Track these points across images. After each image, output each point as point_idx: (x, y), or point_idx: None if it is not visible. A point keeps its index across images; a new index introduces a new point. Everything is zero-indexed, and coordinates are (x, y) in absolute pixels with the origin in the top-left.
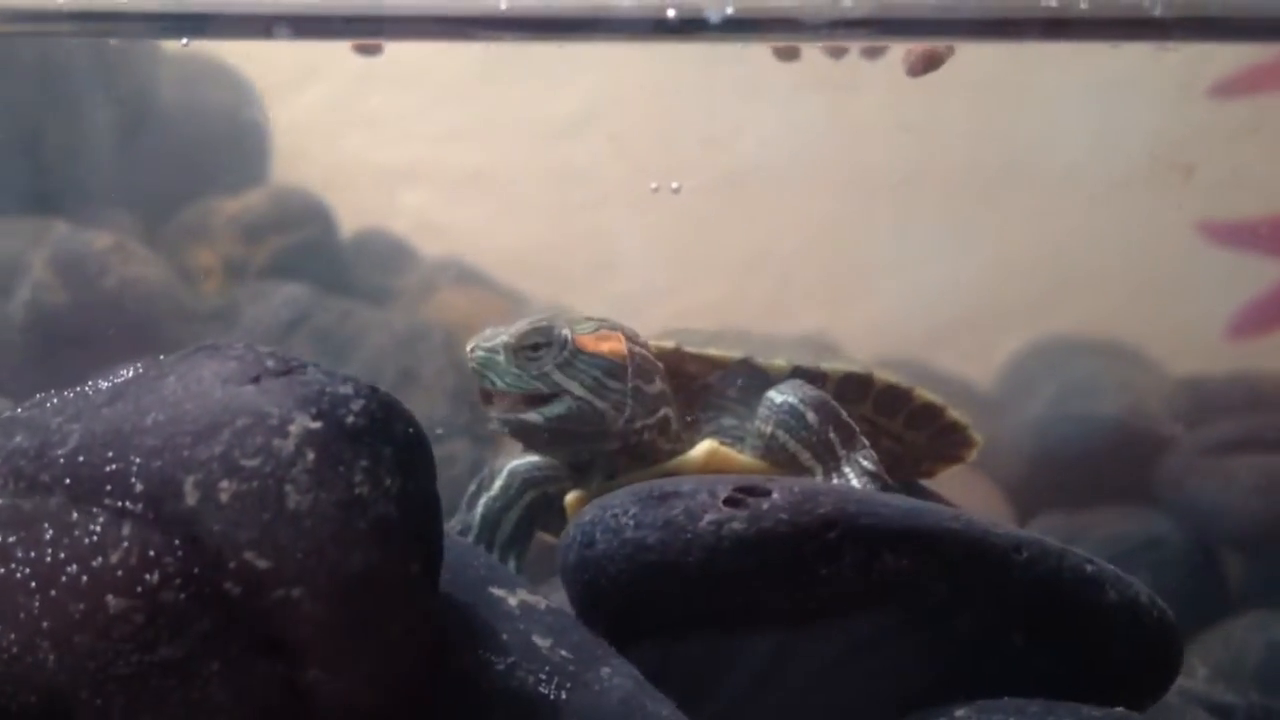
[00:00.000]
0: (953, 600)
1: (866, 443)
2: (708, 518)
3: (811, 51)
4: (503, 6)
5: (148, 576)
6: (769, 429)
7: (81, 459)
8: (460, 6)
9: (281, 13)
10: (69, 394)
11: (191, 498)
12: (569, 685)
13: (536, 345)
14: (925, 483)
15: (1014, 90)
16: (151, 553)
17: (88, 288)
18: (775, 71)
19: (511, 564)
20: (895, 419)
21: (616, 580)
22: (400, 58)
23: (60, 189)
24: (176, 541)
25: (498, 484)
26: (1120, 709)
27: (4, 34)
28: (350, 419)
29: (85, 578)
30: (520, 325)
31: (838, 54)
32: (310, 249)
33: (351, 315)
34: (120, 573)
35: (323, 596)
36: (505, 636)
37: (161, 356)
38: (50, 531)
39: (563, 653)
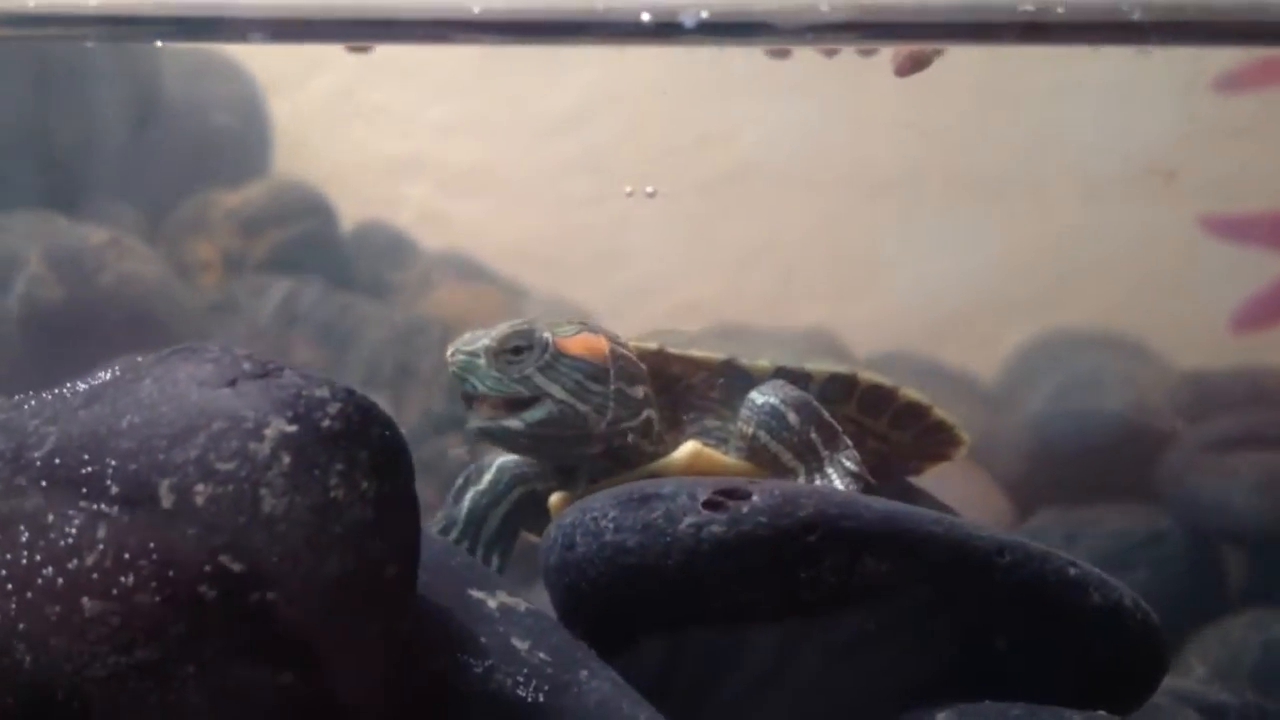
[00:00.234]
0: (935, 604)
1: (850, 443)
2: (687, 521)
3: (806, 49)
4: (475, 11)
5: (123, 579)
6: (750, 430)
7: (58, 461)
8: (441, 8)
9: (259, 16)
10: (46, 396)
11: (167, 501)
12: (547, 688)
13: (518, 349)
14: (916, 481)
15: (1017, 86)
16: (127, 555)
17: (83, 283)
18: (776, 67)
19: (495, 561)
20: (880, 419)
21: (596, 583)
22: (400, 53)
23: (62, 183)
24: (152, 544)
25: (486, 479)
26: (1103, 712)
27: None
28: (326, 422)
29: (61, 580)
30: (501, 329)
31: (830, 53)
32: (309, 242)
33: (351, 309)
34: (96, 575)
35: (298, 600)
36: (484, 639)
37: (139, 358)
38: (26, 534)
39: (541, 655)
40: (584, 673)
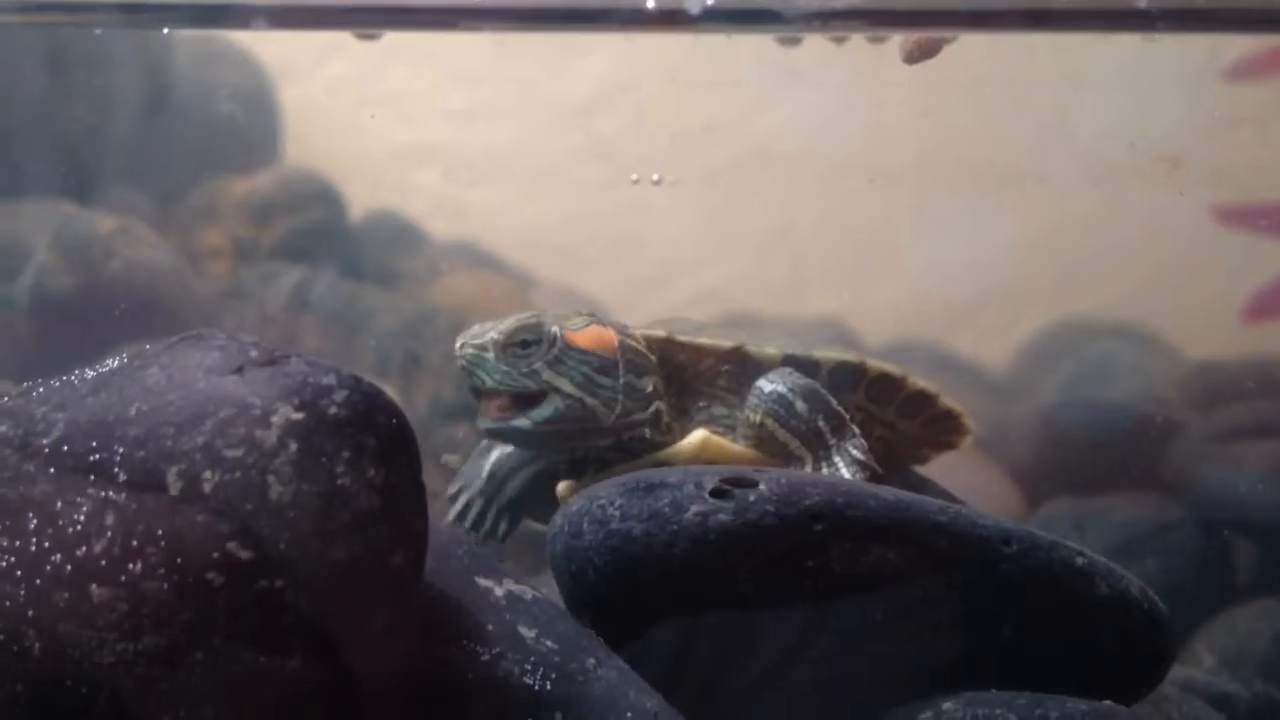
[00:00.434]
0: (941, 593)
1: (857, 431)
2: (693, 509)
3: (817, 37)
4: None
5: (131, 566)
6: (758, 417)
7: (66, 448)
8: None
9: (266, 3)
10: (54, 383)
11: (175, 488)
12: (554, 676)
13: (526, 342)
14: (924, 470)
15: (1029, 74)
16: (135, 542)
17: (93, 271)
18: (788, 54)
19: (502, 527)
20: (888, 407)
21: (603, 571)
22: (410, 40)
23: (73, 171)
24: (160, 531)
25: None
26: (1108, 702)
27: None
28: (333, 410)
29: (70, 567)
30: (509, 322)
31: (840, 40)
32: (319, 231)
33: (360, 298)
34: (104, 562)
35: (306, 587)
36: (491, 627)
37: (147, 345)
38: (35, 520)
39: (548, 643)
40: (591, 661)
